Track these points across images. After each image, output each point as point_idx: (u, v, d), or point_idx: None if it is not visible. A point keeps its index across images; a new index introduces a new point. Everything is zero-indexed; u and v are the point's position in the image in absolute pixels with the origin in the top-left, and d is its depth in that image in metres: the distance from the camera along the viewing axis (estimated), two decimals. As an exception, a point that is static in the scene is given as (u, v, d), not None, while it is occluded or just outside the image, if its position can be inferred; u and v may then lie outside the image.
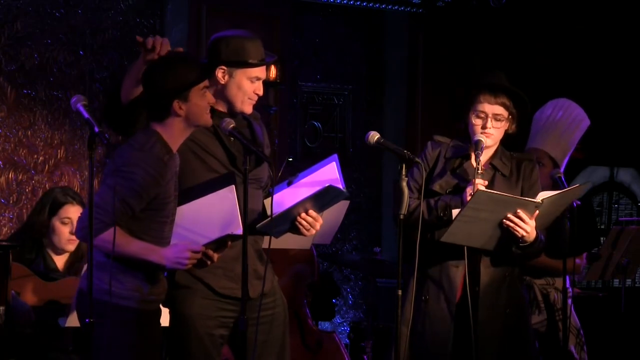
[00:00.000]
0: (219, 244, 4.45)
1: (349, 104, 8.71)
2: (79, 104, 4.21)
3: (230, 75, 4.69)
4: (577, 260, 5.86)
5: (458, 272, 5.06)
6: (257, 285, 4.71)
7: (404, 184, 4.72)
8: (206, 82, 4.44)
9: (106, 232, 4.24)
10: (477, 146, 5.05)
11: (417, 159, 4.80)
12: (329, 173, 4.74)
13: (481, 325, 5.02)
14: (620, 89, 8.95)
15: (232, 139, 4.64)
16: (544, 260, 5.55)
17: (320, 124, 8.55)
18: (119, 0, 7.63)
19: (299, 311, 6.56)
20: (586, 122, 5.99)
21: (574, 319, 5.85)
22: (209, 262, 4.46)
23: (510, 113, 5.10)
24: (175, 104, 4.36)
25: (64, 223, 5.56)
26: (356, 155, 8.62)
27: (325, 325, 8.07)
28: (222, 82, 4.69)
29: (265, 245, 4.73)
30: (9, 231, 7.11)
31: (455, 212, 4.92)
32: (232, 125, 4.54)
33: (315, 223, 4.68)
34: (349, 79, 8.69)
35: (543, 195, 4.97)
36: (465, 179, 5.09)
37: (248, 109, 4.74)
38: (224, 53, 4.68)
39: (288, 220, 4.67)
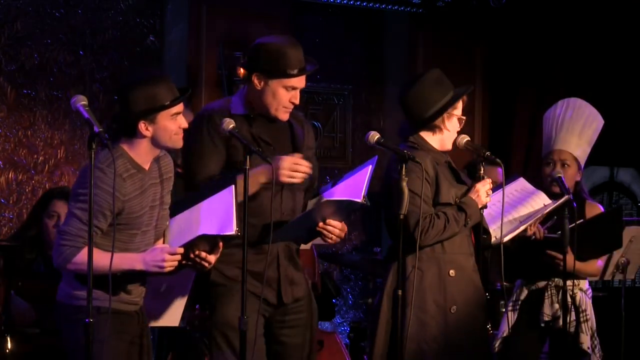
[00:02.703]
0: (212, 245, 4.44)
1: (349, 104, 8.71)
2: (78, 104, 4.22)
3: (266, 83, 4.69)
4: (599, 262, 5.88)
5: (478, 277, 5.07)
6: (290, 290, 4.77)
7: (404, 184, 4.71)
8: (179, 108, 4.44)
9: (78, 255, 4.31)
10: (479, 148, 5.10)
11: (417, 160, 4.79)
12: (358, 179, 4.76)
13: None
14: (620, 89, 8.94)
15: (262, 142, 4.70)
16: (572, 263, 5.59)
17: (320, 124, 8.55)
18: (119, 0, 7.62)
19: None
20: (600, 121, 5.99)
21: (592, 322, 5.87)
22: (206, 265, 4.46)
23: None
24: (142, 125, 4.38)
25: (50, 217, 5.59)
26: (356, 155, 8.62)
27: (325, 325, 8.06)
28: (258, 88, 4.69)
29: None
30: (9, 231, 7.11)
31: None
32: (231, 126, 4.55)
33: (340, 233, 4.72)
34: (349, 79, 8.68)
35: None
36: (460, 184, 5.11)
37: (283, 116, 4.75)
38: (262, 60, 4.68)
39: (304, 229, 4.71)
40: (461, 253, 5.01)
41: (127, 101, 4.38)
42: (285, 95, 4.71)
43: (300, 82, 4.73)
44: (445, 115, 5.05)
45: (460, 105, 5.10)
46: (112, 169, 4.27)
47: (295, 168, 4.60)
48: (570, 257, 5.51)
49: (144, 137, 4.41)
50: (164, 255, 4.36)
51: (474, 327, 5.02)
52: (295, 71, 4.69)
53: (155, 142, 4.43)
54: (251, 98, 4.74)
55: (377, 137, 4.86)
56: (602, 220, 5.75)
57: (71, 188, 4.47)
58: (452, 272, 4.97)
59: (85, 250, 4.27)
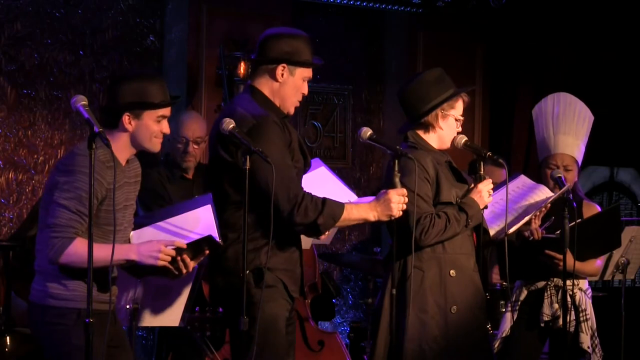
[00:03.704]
0: (196, 251, 4.45)
1: (349, 104, 8.71)
2: (79, 104, 4.20)
3: (291, 74, 4.66)
4: (598, 262, 5.90)
5: (477, 276, 5.07)
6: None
7: (397, 179, 4.70)
8: (166, 112, 4.40)
9: (70, 247, 4.23)
10: (478, 148, 5.11)
11: (409, 155, 4.77)
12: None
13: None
14: (620, 89, 8.94)
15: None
16: (571, 263, 5.62)
17: (320, 124, 8.55)
18: (119, 0, 7.62)
19: (300, 311, 6.55)
20: (591, 117, 6.01)
21: (593, 321, 5.88)
22: (184, 270, 4.44)
23: None
24: (126, 117, 4.35)
25: None
26: (356, 155, 8.62)
27: (325, 325, 8.06)
28: (280, 80, 4.66)
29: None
30: (9, 231, 7.10)
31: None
32: (232, 126, 4.53)
33: None
34: (349, 79, 8.68)
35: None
36: (461, 182, 5.11)
37: (293, 110, 4.74)
38: (286, 51, 4.65)
39: None
40: (462, 253, 5.01)
41: (116, 92, 4.36)
42: (302, 87, 4.71)
43: (311, 73, 4.76)
44: (439, 113, 5.03)
45: (458, 105, 5.08)
46: (95, 156, 4.18)
47: (404, 200, 4.67)
48: (569, 257, 5.52)
49: (126, 131, 4.36)
50: (160, 246, 4.33)
51: (473, 328, 5.01)
52: (313, 60, 4.70)
53: (134, 139, 4.39)
54: (266, 97, 4.70)
55: (369, 133, 4.84)
56: (600, 219, 5.75)
57: (53, 178, 4.36)
58: (452, 272, 4.97)
59: (77, 242, 4.22)
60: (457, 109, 5.08)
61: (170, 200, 6.10)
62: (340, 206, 4.58)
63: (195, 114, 6.80)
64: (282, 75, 4.65)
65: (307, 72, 4.70)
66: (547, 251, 5.63)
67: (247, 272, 4.50)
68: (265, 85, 4.69)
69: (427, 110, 5.01)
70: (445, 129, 5.06)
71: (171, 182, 6.26)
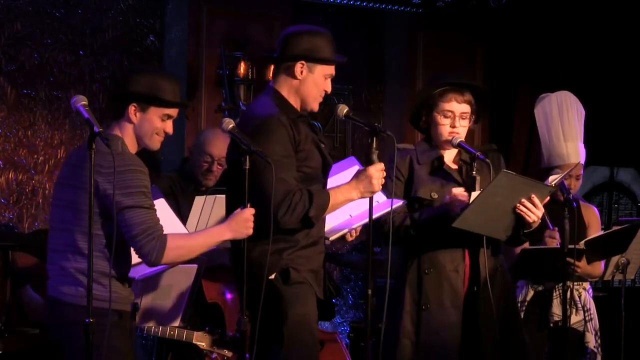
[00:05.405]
0: None
1: (349, 104, 8.69)
2: (79, 104, 4.19)
3: (310, 71, 4.67)
4: (602, 264, 5.93)
5: (459, 277, 5.05)
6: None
7: (374, 156, 4.71)
8: (173, 112, 4.35)
9: (167, 243, 4.19)
10: (468, 149, 5.11)
11: (388, 132, 4.76)
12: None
13: (482, 320, 5.00)
14: (620, 89, 8.94)
15: (322, 144, 4.71)
16: (580, 265, 5.63)
17: (320, 124, 8.55)
18: (119, 0, 7.63)
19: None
20: (583, 112, 6.06)
21: (596, 321, 5.89)
22: None
23: (472, 110, 5.13)
24: (132, 108, 4.30)
25: None
26: (356, 155, 8.59)
27: (325, 325, 8.06)
28: (299, 78, 4.66)
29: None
30: (9, 231, 7.09)
31: (474, 194, 4.89)
32: (231, 126, 4.52)
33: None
34: (349, 79, 8.68)
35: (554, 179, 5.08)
36: (447, 181, 5.10)
37: (317, 106, 4.75)
38: (305, 48, 4.66)
39: None
40: (441, 251, 5.02)
41: (129, 79, 4.33)
42: (323, 84, 4.71)
43: (334, 70, 4.76)
44: (422, 112, 5.14)
45: (440, 102, 5.09)
46: (126, 152, 4.23)
47: (383, 174, 4.66)
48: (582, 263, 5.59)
49: (130, 122, 4.31)
50: (247, 214, 4.33)
51: (444, 326, 5.02)
52: (334, 57, 4.70)
53: (137, 132, 4.33)
54: (282, 96, 4.68)
55: (345, 110, 4.84)
56: (623, 233, 5.79)
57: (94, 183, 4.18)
58: (428, 270, 5.01)
59: (169, 236, 4.18)
60: (439, 105, 5.08)
61: (178, 212, 6.00)
62: (326, 194, 4.59)
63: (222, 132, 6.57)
64: (302, 72, 4.66)
65: (329, 70, 4.71)
66: (568, 259, 5.59)
67: (274, 274, 4.52)
68: (284, 84, 4.68)
69: (411, 118, 5.21)
70: (432, 127, 5.13)
71: (184, 193, 6.08)
